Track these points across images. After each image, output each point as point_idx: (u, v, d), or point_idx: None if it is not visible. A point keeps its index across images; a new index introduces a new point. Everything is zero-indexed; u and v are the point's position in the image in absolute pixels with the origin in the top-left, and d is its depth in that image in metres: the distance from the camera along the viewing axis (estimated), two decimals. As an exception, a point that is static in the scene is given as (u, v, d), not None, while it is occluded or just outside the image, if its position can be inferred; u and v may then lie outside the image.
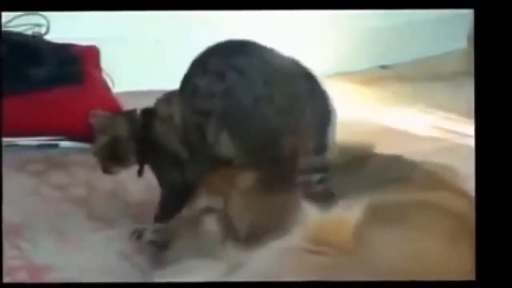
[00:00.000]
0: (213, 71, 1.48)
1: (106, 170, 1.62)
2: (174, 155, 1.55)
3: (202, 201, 1.48)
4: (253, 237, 1.37)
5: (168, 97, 1.57)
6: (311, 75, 1.50)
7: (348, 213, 1.25)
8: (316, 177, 1.43)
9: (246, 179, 1.47)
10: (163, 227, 1.52)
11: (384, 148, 1.49)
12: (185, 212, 1.50)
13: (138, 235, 1.55)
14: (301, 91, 1.47)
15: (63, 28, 2.05)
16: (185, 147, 1.54)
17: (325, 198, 1.40)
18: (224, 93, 1.46)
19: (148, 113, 1.59)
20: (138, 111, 1.60)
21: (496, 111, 1.20)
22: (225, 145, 1.47)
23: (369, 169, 1.43)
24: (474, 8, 1.25)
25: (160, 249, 1.49)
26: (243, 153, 1.48)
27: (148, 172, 1.62)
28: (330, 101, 1.49)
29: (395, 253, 1.19)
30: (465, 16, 3.21)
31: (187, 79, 1.53)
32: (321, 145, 1.46)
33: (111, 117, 1.62)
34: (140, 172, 1.62)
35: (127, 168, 1.62)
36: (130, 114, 1.63)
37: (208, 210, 1.46)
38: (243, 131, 1.46)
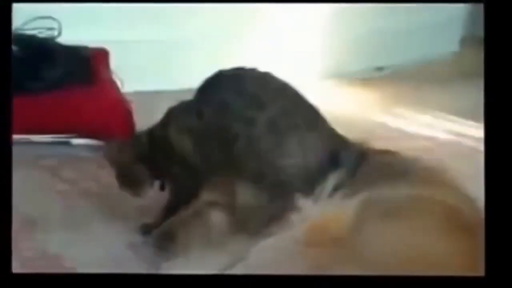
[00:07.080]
0: (250, 94, 1.46)
1: (135, 194, 1.63)
2: (189, 165, 1.53)
3: (206, 195, 1.49)
4: (254, 229, 1.39)
5: (188, 107, 1.54)
6: (329, 127, 1.50)
7: (345, 208, 1.25)
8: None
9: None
10: (168, 227, 1.53)
11: (379, 145, 1.50)
12: (190, 206, 1.51)
13: (147, 230, 1.58)
14: (319, 154, 1.45)
15: (74, 31, 2.09)
16: (202, 159, 1.51)
17: None
18: (259, 121, 1.44)
19: (153, 132, 1.58)
20: (143, 133, 1.61)
21: (506, 111, 1.16)
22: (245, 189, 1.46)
23: (365, 164, 1.43)
24: (483, 2, 1.22)
25: (164, 249, 1.50)
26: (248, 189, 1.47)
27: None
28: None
29: (391, 247, 1.20)
30: (457, 20, 3.27)
31: (214, 90, 1.50)
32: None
33: (115, 146, 1.65)
34: (162, 187, 1.62)
35: (151, 187, 1.61)
36: (135, 138, 1.64)
37: (211, 204, 1.48)
38: (260, 173, 1.44)
